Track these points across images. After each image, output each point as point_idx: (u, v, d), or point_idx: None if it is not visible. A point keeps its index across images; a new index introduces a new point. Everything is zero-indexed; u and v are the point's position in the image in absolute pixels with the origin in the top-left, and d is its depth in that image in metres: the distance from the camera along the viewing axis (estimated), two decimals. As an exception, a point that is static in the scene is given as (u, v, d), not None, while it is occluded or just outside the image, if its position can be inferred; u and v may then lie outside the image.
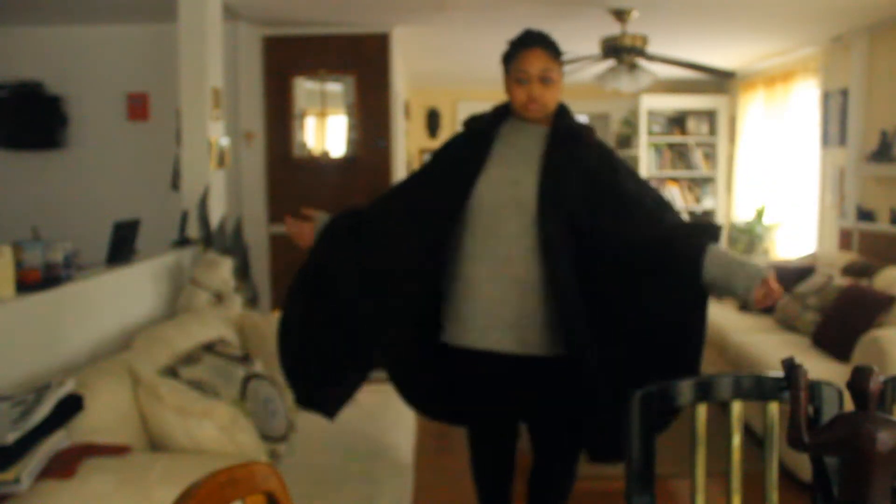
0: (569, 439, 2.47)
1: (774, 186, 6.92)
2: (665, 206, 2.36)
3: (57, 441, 1.91)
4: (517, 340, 2.31)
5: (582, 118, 9.70)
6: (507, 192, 2.31)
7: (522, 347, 2.31)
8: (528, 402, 2.43)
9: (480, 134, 2.44)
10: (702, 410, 1.52)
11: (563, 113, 2.44)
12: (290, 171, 5.50)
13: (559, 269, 2.24)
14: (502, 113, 2.47)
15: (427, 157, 2.62)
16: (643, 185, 2.40)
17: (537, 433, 2.52)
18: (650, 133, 8.11)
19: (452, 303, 2.39)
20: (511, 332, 2.30)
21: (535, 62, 2.33)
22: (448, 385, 2.48)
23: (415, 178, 2.52)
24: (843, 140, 5.64)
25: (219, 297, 3.41)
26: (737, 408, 1.52)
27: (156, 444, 2.28)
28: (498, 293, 2.29)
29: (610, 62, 5.30)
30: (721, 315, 5.29)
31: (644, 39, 5.05)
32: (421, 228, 2.36)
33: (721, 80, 7.79)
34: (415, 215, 2.39)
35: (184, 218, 3.85)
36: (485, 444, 2.54)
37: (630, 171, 2.42)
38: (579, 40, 5.71)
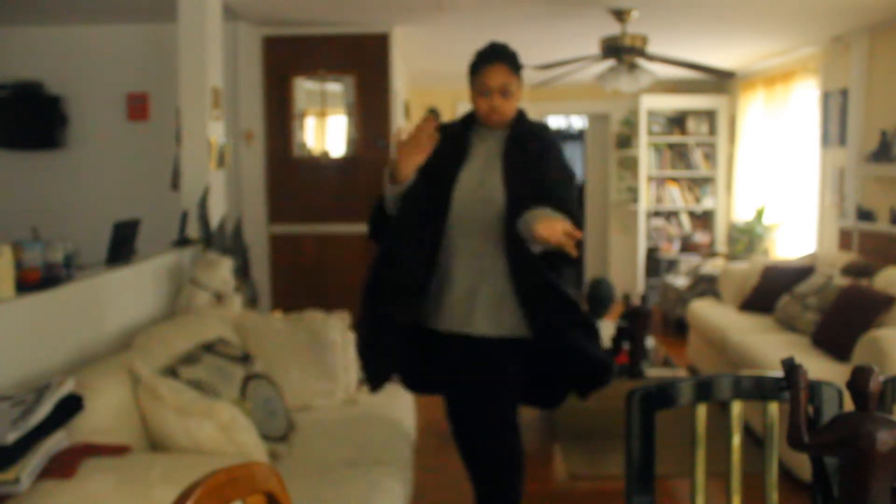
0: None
1: (774, 186, 6.92)
2: (561, 196, 2.60)
3: (57, 441, 1.91)
4: (494, 324, 2.57)
5: (581, 119, 9.71)
6: (476, 193, 2.59)
7: (497, 330, 2.57)
8: (506, 380, 2.64)
9: (457, 139, 2.69)
10: (702, 410, 1.52)
11: (520, 118, 2.71)
12: (290, 171, 5.50)
13: (522, 259, 2.53)
14: (469, 121, 2.74)
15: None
16: (562, 175, 2.68)
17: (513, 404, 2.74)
18: (650, 133, 8.11)
19: (434, 292, 2.62)
20: (487, 317, 2.56)
21: (496, 77, 2.61)
22: (433, 363, 2.69)
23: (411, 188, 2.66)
24: (842, 140, 5.64)
25: (219, 297, 3.41)
26: (737, 408, 1.52)
27: (156, 444, 2.28)
28: (473, 282, 2.58)
29: (610, 62, 5.30)
30: (721, 315, 5.30)
31: (644, 39, 5.05)
32: (422, 231, 2.59)
33: (721, 80, 7.79)
34: (416, 219, 2.61)
35: (184, 218, 3.85)
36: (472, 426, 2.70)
37: (560, 166, 2.69)
38: (579, 40, 5.71)
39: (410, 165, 2.50)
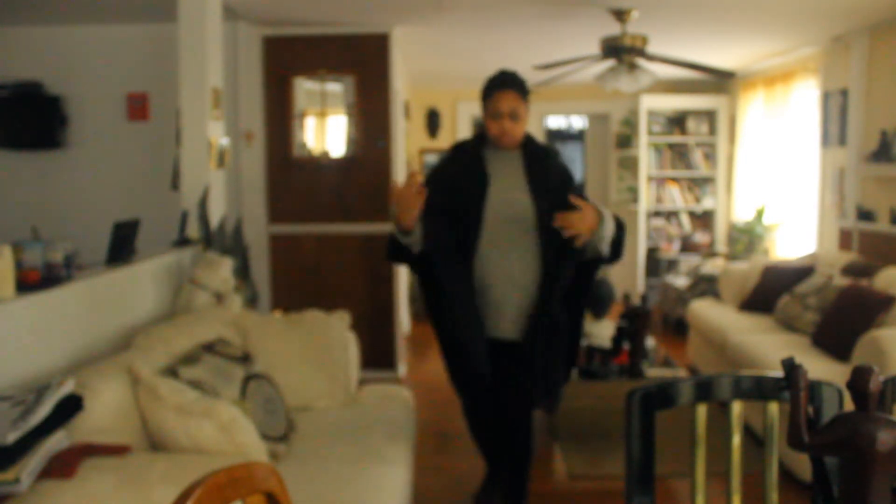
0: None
1: (774, 186, 6.92)
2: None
3: (57, 441, 1.91)
4: (517, 329, 2.92)
5: (581, 119, 9.71)
6: (508, 211, 2.89)
7: (516, 335, 2.93)
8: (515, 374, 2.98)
9: (471, 155, 2.98)
10: (702, 410, 1.52)
11: (529, 140, 3.02)
12: (290, 171, 5.50)
13: (553, 272, 2.88)
14: (480, 141, 3.02)
15: (428, 175, 3.06)
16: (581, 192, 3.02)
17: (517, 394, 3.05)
18: (650, 133, 8.11)
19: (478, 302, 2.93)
20: (513, 324, 2.92)
21: (506, 102, 2.90)
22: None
23: (432, 205, 2.87)
24: (842, 140, 5.64)
25: (219, 297, 3.41)
26: (737, 408, 1.52)
27: (156, 444, 2.28)
28: (505, 294, 2.89)
29: (610, 62, 5.30)
30: (721, 315, 5.30)
31: (644, 39, 5.05)
32: (458, 246, 2.90)
33: (721, 80, 7.79)
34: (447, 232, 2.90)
35: (184, 218, 3.85)
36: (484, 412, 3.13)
37: (578, 188, 3.05)
38: (579, 40, 5.72)
39: (410, 218, 2.71)
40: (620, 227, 2.90)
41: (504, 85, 2.92)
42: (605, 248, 2.84)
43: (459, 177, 2.94)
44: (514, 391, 2.97)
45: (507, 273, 2.87)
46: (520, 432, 3.01)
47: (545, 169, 2.96)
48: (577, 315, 3.07)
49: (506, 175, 2.95)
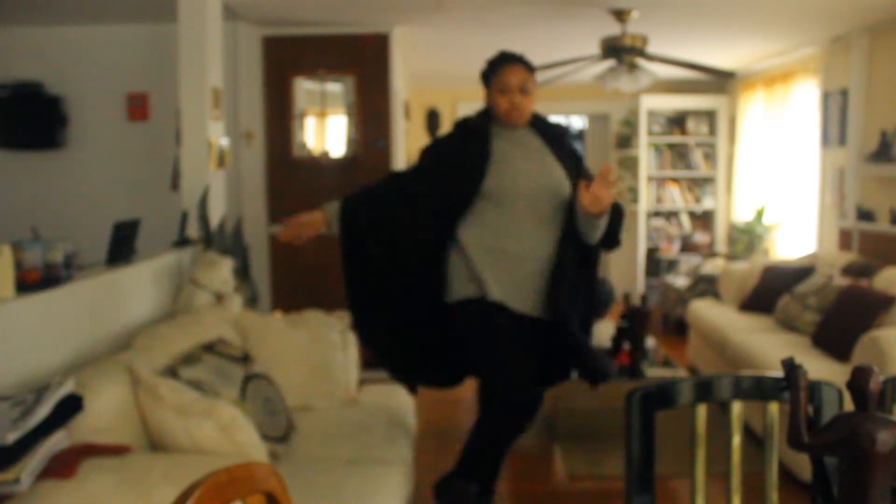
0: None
1: (774, 186, 6.92)
2: None
3: (57, 441, 1.91)
4: (540, 306, 2.80)
5: (581, 119, 9.71)
6: (540, 180, 2.79)
7: (539, 311, 2.81)
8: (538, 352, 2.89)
9: (477, 132, 2.86)
10: (702, 410, 1.52)
11: (538, 117, 2.92)
12: (290, 171, 5.50)
13: (573, 244, 2.82)
14: (486, 117, 2.90)
15: (422, 154, 3.00)
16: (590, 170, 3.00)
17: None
18: (650, 133, 8.11)
19: (487, 271, 2.78)
20: (539, 299, 2.80)
21: (515, 75, 2.79)
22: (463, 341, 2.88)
23: (422, 170, 2.91)
24: (842, 140, 5.64)
25: (219, 297, 3.41)
26: (737, 408, 1.52)
27: (156, 444, 2.28)
28: (531, 267, 2.78)
29: (610, 62, 5.30)
30: (721, 315, 5.29)
31: (644, 39, 5.05)
32: (436, 212, 2.82)
33: (721, 80, 7.79)
34: (430, 199, 2.84)
35: (184, 218, 3.84)
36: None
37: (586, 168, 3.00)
38: (579, 40, 5.71)
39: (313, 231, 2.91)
40: (620, 214, 2.83)
41: (512, 59, 2.83)
42: (596, 234, 2.78)
43: (459, 153, 2.84)
44: (532, 367, 2.83)
45: (534, 252, 2.77)
46: (530, 409, 2.80)
47: (562, 145, 2.89)
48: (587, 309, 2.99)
49: (531, 151, 2.85)
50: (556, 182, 2.80)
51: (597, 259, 2.99)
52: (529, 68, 2.83)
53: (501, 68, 2.81)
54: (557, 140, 2.89)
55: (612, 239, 2.86)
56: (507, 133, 2.86)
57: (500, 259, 2.77)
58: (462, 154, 2.82)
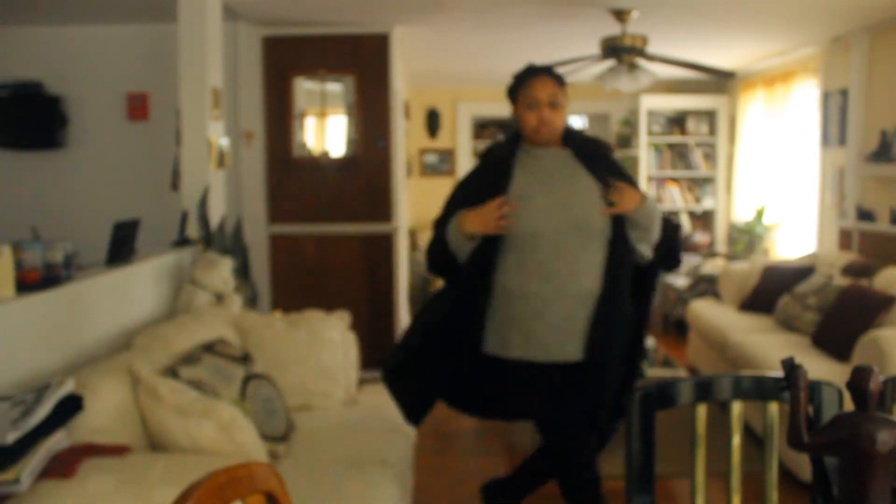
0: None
1: (774, 186, 6.92)
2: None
3: (57, 441, 1.91)
4: (582, 348, 2.53)
5: (581, 119, 9.71)
6: (563, 215, 2.52)
7: (581, 354, 2.54)
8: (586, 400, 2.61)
9: (498, 163, 2.63)
10: (702, 410, 1.52)
11: (571, 131, 2.65)
12: (290, 171, 5.50)
13: (625, 279, 2.55)
14: (514, 141, 2.67)
15: (450, 197, 2.76)
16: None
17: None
18: (650, 133, 8.11)
19: (514, 320, 2.55)
20: (578, 342, 2.53)
21: (544, 88, 2.55)
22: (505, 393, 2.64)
23: (447, 217, 2.65)
24: (842, 140, 5.64)
25: (219, 297, 3.41)
26: (737, 408, 1.52)
27: (156, 444, 2.28)
28: (567, 310, 2.51)
29: (610, 62, 5.30)
30: (721, 315, 5.29)
31: (644, 39, 5.05)
32: (468, 262, 2.59)
33: (721, 80, 7.79)
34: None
35: (184, 218, 3.85)
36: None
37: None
38: (579, 40, 5.71)
39: (482, 229, 2.51)
40: (675, 228, 2.64)
41: (539, 71, 2.60)
42: (648, 247, 2.57)
43: (479, 194, 2.57)
44: (577, 418, 2.60)
45: (564, 291, 2.50)
46: (586, 464, 2.68)
47: (604, 164, 2.61)
48: (638, 339, 2.72)
49: (556, 180, 2.59)
50: (583, 214, 2.52)
51: (653, 287, 2.71)
52: (559, 81, 2.60)
53: (528, 82, 2.58)
54: (596, 157, 2.62)
55: (671, 258, 2.65)
56: (533, 159, 2.63)
57: (524, 306, 2.53)
58: (480, 195, 2.55)
